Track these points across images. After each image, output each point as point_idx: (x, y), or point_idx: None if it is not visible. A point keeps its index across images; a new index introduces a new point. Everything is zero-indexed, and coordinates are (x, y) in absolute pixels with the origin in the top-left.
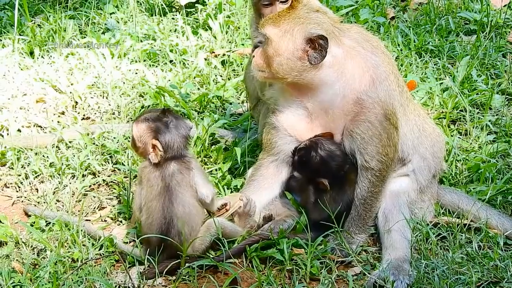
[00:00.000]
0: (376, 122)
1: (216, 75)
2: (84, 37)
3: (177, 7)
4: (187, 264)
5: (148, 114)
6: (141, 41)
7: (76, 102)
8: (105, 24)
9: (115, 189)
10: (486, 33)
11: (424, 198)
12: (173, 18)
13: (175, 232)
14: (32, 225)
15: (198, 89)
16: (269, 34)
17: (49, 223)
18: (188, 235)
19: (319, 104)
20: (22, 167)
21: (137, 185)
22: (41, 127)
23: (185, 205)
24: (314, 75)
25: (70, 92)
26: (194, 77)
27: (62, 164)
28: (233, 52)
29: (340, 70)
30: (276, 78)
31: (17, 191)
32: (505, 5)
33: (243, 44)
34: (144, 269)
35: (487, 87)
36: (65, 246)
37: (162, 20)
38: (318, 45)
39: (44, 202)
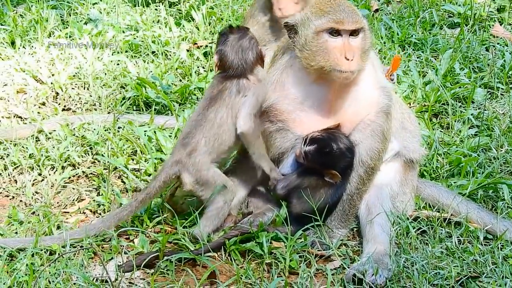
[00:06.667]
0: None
1: (198, 67)
2: (66, 28)
3: None
4: (165, 257)
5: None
6: (124, 32)
7: (57, 93)
8: (88, 14)
9: (94, 181)
10: (469, 26)
11: (406, 191)
12: (156, 9)
13: (193, 136)
14: (10, 217)
15: (180, 80)
16: (366, 26)
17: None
18: (204, 145)
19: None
20: (1, 158)
21: None
22: (21, 117)
23: (217, 115)
24: None
25: (51, 83)
26: (176, 69)
27: (42, 155)
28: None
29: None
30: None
31: None
32: None
33: None
34: (122, 262)
35: (469, 80)
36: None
37: (145, 11)
38: None
39: (22, 194)
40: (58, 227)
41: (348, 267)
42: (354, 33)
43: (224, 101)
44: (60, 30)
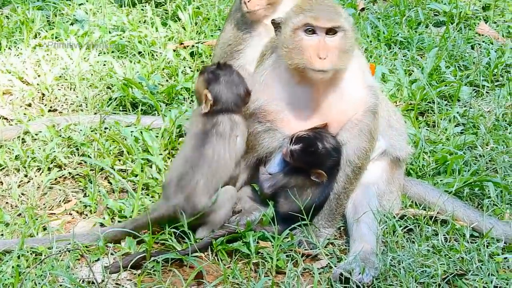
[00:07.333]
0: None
1: (184, 67)
2: (52, 29)
3: None
4: (152, 258)
5: (208, 67)
6: (110, 32)
7: (43, 94)
8: (74, 15)
9: (81, 182)
10: (455, 25)
11: (392, 189)
12: (142, 9)
13: (190, 178)
14: None
15: (167, 80)
16: (345, 26)
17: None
18: (204, 185)
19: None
20: None
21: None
22: (7, 119)
23: (215, 151)
24: None
25: (37, 84)
26: (163, 69)
27: (28, 156)
28: (202, 43)
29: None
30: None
31: None
32: None
33: (212, 36)
34: (108, 263)
35: (455, 78)
36: None
37: (131, 11)
38: None
39: (8, 195)
40: (44, 229)
41: (335, 266)
42: (331, 31)
43: (221, 136)
44: (46, 31)
